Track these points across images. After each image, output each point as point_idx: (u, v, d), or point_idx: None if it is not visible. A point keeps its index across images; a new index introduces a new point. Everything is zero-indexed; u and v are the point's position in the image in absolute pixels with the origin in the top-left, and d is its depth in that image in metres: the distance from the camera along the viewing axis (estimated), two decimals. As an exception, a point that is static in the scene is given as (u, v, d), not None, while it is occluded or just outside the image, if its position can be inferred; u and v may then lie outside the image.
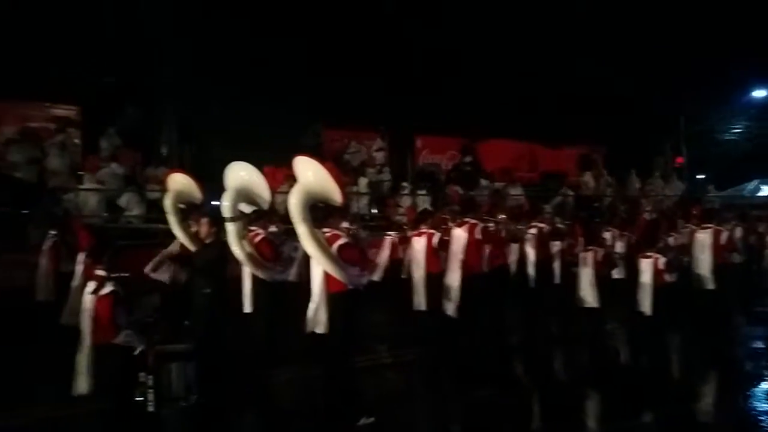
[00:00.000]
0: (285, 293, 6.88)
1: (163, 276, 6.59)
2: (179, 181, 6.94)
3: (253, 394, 6.61)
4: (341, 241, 5.82)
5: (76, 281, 6.60)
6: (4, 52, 10.21)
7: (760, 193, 17.61)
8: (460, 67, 14.03)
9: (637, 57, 15.29)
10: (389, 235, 9.23)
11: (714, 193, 15.95)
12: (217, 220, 6.32)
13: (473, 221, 8.14)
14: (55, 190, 9.31)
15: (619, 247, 9.29)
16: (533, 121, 14.13)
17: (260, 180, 6.60)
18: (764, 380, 7.27)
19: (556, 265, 8.90)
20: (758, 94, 19.24)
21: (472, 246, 7.95)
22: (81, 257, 6.53)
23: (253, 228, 6.84)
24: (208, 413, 6.06)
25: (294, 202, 5.55)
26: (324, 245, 5.65)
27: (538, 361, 8.15)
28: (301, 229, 5.54)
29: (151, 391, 5.26)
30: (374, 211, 11.79)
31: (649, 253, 8.35)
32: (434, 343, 7.86)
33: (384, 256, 8.97)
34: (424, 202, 11.47)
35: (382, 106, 12.92)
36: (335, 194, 5.59)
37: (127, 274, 5.13)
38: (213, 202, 7.18)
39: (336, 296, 5.74)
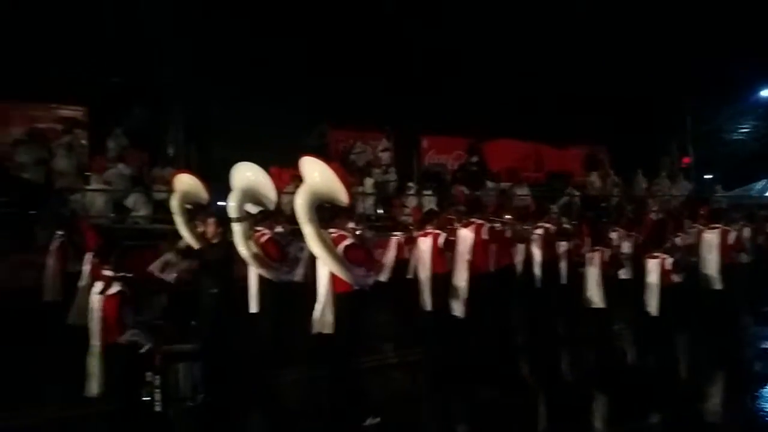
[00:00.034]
0: (291, 293, 6.88)
1: (170, 276, 6.60)
2: (186, 182, 6.96)
3: (259, 394, 6.62)
4: (347, 242, 5.83)
5: (83, 281, 6.61)
6: (11, 54, 10.26)
7: (768, 193, 17.53)
8: (465, 67, 14.01)
9: (645, 56, 15.23)
10: (395, 236, 9.21)
11: (721, 193, 15.86)
12: (224, 221, 6.33)
13: (480, 221, 8.13)
14: (62, 191, 9.34)
15: (626, 247, 9.25)
16: (539, 121, 14.09)
17: (266, 180, 6.61)
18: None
19: (563, 266, 8.87)
20: (766, 93, 19.14)
21: (478, 246, 7.94)
22: (88, 257, 6.55)
23: (259, 228, 6.84)
24: (215, 413, 6.07)
25: (300, 203, 5.55)
26: (330, 246, 5.66)
27: (544, 361, 8.13)
28: (308, 230, 5.55)
29: (158, 391, 5.27)
30: (380, 211, 11.78)
31: (656, 254, 8.33)
32: (439, 343, 7.85)
33: (390, 256, 8.95)
34: (429, 203, 11.45)
35: (387, 107, 12.91)
36: (341, 195, 5.59)
37: (133, 275, 5.13)
38: (219, 203, 7.19)
39: (342, 297, 5.74)
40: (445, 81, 13.71)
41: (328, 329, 5.74)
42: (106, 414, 4.76)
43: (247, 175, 6.52)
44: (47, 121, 10.69)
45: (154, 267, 6.55)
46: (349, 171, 10.60)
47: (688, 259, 9.05)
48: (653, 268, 8.27)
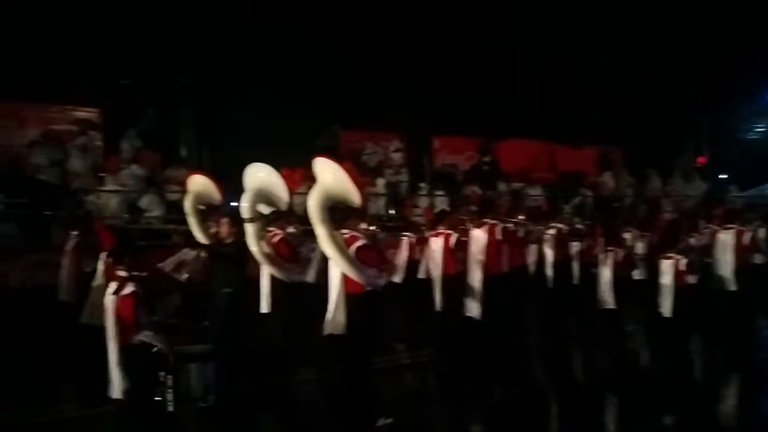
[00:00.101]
0: (303, 294, 6.91)
1: (182, 276, 6.65)
2: (199, 183, 7.00)
3: (270, 394, 6.64)
4: (359, 243, 5.83)
5: (97, 281, 6.67)
6: (26, 56, 10.37)
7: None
8: (477, 67, 13.97)
9: (659, 55, 15.11)
10: (406, 236, 9.22)
11: (736, 193, 15.73)
12: (237, 221, 6.37)
13: (493, 222, 8.11)
14: (77, 192, 9.43)
15: (640, 247, 9.20)
16: (552, 121, 14.02)
17: (279, 181, 6.64)
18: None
19: (575, 266, 8.84)
20: (782, 92, 18.94)
21: (492, 246, 7.92)
22: (102, 257, 6.61)
23: (271, 229, 6.87)
24: (227, 414, 6.10)
25: (313, 204, 5.57)
26: (342, 247, 5.67)
27: (556, 362, 8.10)
28: (320, 231, 5.57)
29: (170, 391, 5.31)
30: (392, 212, 11.79)
31: (670, 254, 8.25)
32: (451, 343, 7.84)
33: (402, 257, 8.97)
34: (441, 203, 11.45)
35: (399, 107, 12.91)
36: (354, 196, 5.60)
37: (147, 275, 5.17)
38: (232, 203, 7.23)
39: (354, 297, 5.75)
40: (456, 81, 13.67)
41: (339, 330, 5.76)
42: (121, 413, 4.79)
43: (259, 175, 6.55)
44: (62, 123, 10.79)
45: (166, 264, 6.59)
46: (360, 172, 10.62)
47: (702, 260, 8.97)
48: (667, 269, 8.19)
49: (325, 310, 5.86)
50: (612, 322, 8.64)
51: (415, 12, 13.52)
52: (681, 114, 16.39)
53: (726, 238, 9.41)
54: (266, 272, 6.71)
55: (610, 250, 8.62)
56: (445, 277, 8.00)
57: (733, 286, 9.19)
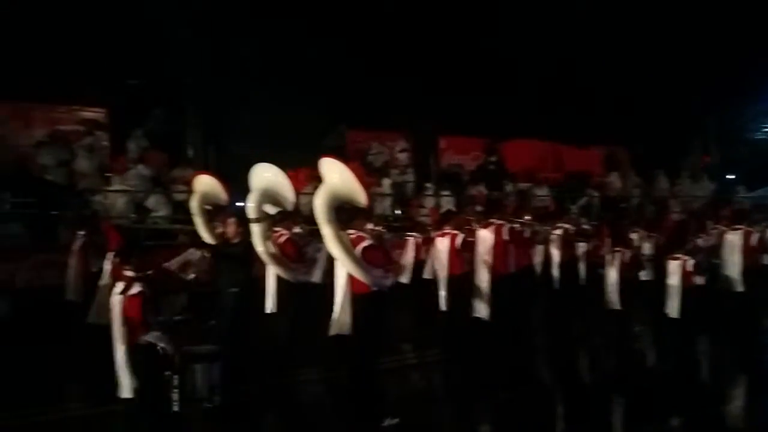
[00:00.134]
0: (309, 294, 6.91)
1: (189, 276, 6.66)
2: (205, 183, 7.02)
3: (276, 394, 6.64)
4: (366, 243, 5.83)
5: (104, 280, 6.70)
6: (33, 57, 10.41)
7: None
8: (483, 66, 13.95)
9: (666, 55, 15.05)
10: (412, 236, 9.21)
11: (744, 193, 15.65)
12: (244, 221, 6.38)
13: (499, 222, 8.09)
14: (83, 192, 9.46)
15: (647, 248, 9.16)
16: (558, 121, 13.98)
17: (285, 181, 6.64)
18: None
19: (582, 267, 8.81)
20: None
21: (499, 247, 7.90)
22: (109, 257, 6.63)
23: (277, 229, 6.88)
24: (232, 414, 6.10)
25: (320, 204, 5.57)
26: (348, 247, 5.66)
27: (562, 363, 8.08)
28: (326, 231, 5.56)
29: (176, 390, 5.31)
30: (398, 212, 11.79)
31: (677, 255, 8.21)
32: (457, 343, 7.82)
33: (409, 257, 8.96)
34: (447, 203, 11.43)
35: (405, 107, 12.90)
36: (360, 196, 5.60)
37: (154, 275, 5.18)
38: (238, 203, 7.24)
39: (360, 298, 5.75)
40: (462, 81, 13.65)
41: (345, 330, 5.75)
42: (130, 413, 4.79)
43: (265, 176, 6.55)
44: (69, 123, 10.81)
45: (172, 264, 6.60)
46: (366, 172, 10.62)
47: (709, 261, 8.93)
48: (674, 270, 8.15)
49: (331, 310, 5.87)
50: (619, 322, 8.60)
51: (422, 11, 13.51)
52: (688, 114, 16.31)
53: (734, 239, 9.36)
54: (272, 272, 6.72)
55: (617, 251, 8.58)
56: (451, 278, 7.98)
57: (740, 287, 9.14)
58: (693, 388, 7.10)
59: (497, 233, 7.97)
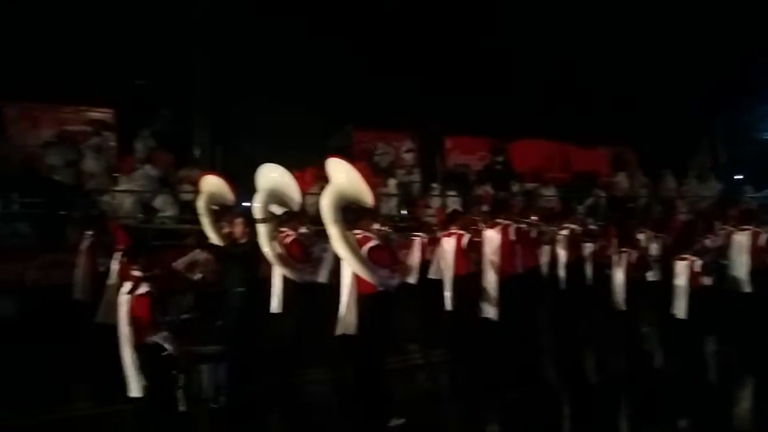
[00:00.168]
0: (315, 294, 6.92)
1: (196, 275, 6.67)
2: (212, 183, 7.03)
3: (282, 394, 6.65)
4: (372, 243, 5.84)
5: (111, 280, 6.73)
6: (41, 57, 10.46)
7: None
8: (490, 66, 13.93)
9: (673, 55, 14.99)
10: (418, 236, 9.21)
11: (752, 193, 15.56)
12: (251, 221, 6.39)
13: (506, 222, 8.07)
14: (91, 192, 9.50)
15: (654, 249, 9.13)
16: (565, 121, 13.94)
17: (291, 182, 6.66)
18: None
19: (588, 267, 8.79)
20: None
21: (506, 247, 7.88)
22: (117, 257, 6.66)
23: (283, 229, 6.88)
24: (238, 414, 6.11)
25: (326, 204, 5.58)
26: (354, 247, 5.67)
27: (569, 363, 8.06)
28: (333, 231, 5.58)
29: (182, 390, 5.33)
30: (404, 212, 11.78)
31: (685, 256, 8.18)
32: (462, 344, 7.81)
33: (415, 257, 8.95)
34: (453, 203, 11.42)
35: (411, 107, 12.90)
36: (367, 196, 5.61)
37: (161, 275, 5.20)
38: (244, 203, 7.25)
39: (366, 298, 5.75)
40: (469, 81, 13.64)
41: (351, 330, 5.76)
42: (139, 412, 4.82)
43: (272, 176, 6.57)
44: (76, 124, 10.85)
45: (179, 264, 6.62)
46: (372, 172, 10.62)
47: (717, 262, 8.89)
48: (682, 271, 8.11)
49: (337, 310, 5.87)
50: (626, 323, 8.58)
51: (429, 11, 13.50)
52: (695, 114, 16.24)
53: (741, 239, 9.31)
54: (278, 272, 6.73)
55: (624, 251, 8.56)
56: (457, 278, 7.97)
57: (748, 288, 9.09)
58: (700, 389, 7.08)
59: (504, 233, 7.96)
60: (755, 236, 9.28)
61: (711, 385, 7.51)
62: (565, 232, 8.76)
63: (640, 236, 9.26)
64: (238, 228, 6.45)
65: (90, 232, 7.62)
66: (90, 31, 10.92)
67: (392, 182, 12.10)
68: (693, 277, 8.02)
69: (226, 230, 6.72)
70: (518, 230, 8.04)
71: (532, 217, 8.52)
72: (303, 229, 7.27)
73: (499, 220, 8.14)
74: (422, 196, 12.19)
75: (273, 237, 6.48)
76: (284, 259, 6.61)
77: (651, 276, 8.77)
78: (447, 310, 8.03)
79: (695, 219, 10.95)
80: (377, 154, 12.91)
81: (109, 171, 10.08)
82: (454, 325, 7.97)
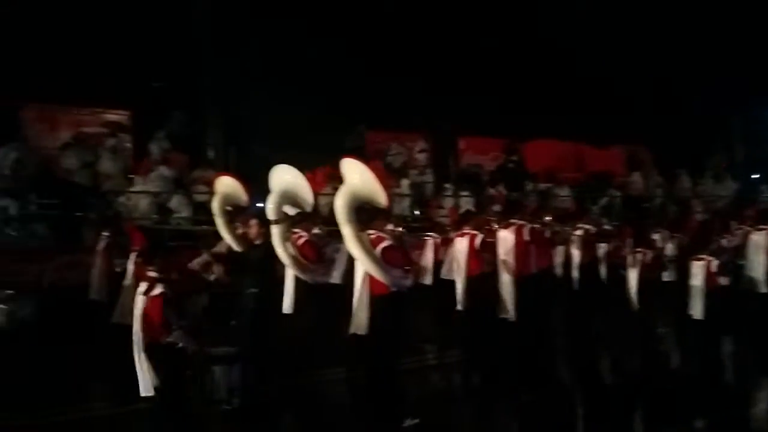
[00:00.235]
0: (328, 294, 6.93)
1: (211, 276, 6.71)
2: (226, 184, 7.07)
3: (296, 395, 6.67)
4: (385, 243, 5.84)
5: (127, 281, 6.79)
6: (58, 61, 10.58)
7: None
8: (503, 66, 13.89)
9: (689, 54, 14.86)
10: (431, 237, 9.20)
11: (769, 193, 15.40)
12: (266, 222, 6.42)
13: (520, 222, 8.04)
14: (107, 193, 9.59)
15: (670, 249, 9.06)
16: (579, 121, 13.87)
17: (304, 183, 6.69)
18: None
19: (603, 268, 8.73)
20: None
21: (520, 247, 7.83)
22: (133, 257, 6.72)
23: (296, 230, 6.90)
24: (251, 415, 6.14)
25: (340, 204, 5.59)
26: (368, 247, 5.68)
27: (583, 364, 8.02)
28: (346, 231, 5.59)
29: (196, 391, 5.36)
30: (417, 212, 11.78)
31: (701, 256, 8.10)
32: (474, 344, 7.79)
33: (428, 258, 8.94)
34: (467, 204, 11.40)
35: (424, 107, 12.89)
36: (381, 196, 5.62)
37: (176, 275, 5.23)
38: (258, 204, 7.29)
39: (379, 298, 5.76)
40: (482, 81, 13.61)
41: (362, 330, 5.77)
42: (154, 412, 4.86)
43: (285, 178, 6.59)
44: (93, 126, 10.96)
45: (194, 264, 6.65)
46: (385, 172, 10.63)
47: (734, 262, 8.80)
48: (698, 271, 8.03)
49: (350, 310, 5.88)
50: (641, 324, 8.52)
51: (441, 11, 13.49)
52: (711, 113, 16.10)
53: (758, 239, 9.20)
54: (290, 273, 6.75)
55: (639, 252, 8.50)
56: (469, 279, 7.94)
57: (765, 288, 8.99)
58: (717, 390, 7.01)
59: (518, 234, 7.91)
60: (773, 236, 9.17)
61: (728, 385, 7.43)
62: (579, 232, 8.71)
63: (656, 236, 9.19)
64: (254, 229, 6.48)
65: (106, 233, 7.68)
66: (106, 34, 11.03)
67: (405, 182, 12.10)
68: (709, 277, 7.93)
69: (240, 231, 6.75)
70: (532, 230, 7.99)
71: (546, 218, 8.47)
72: (316, 230, 7.29)
73: (512, 221, 8.10)
74: (435, 197, 12.18)
75: (286, 238, 6.51)
76: (297, 260, 6.63)
77: (667, 276, 8.70)
78: (458, 310, 8.00)
79: (711, 219, 10.85)
80: (390, 154, 12.92)
81: (125, 172, 10.17)
82: (465, 325, 7.94)
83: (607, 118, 14.15)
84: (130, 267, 6.73)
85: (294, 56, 12.51)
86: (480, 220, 8.38)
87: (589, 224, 8.99)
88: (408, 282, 5.95)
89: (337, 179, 6.49)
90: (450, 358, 8.00)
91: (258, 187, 7.04)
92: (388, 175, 10.85)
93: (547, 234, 8.24)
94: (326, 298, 6.86)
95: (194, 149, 11.57)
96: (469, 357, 7.75)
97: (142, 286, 4.94)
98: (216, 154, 11.88)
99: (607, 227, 9.33)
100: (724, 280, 8.05)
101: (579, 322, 8.69)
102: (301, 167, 6.79)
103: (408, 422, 5.67)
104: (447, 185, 12.44)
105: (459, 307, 7.93)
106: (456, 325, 8.12)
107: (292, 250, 6.60)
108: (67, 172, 9.83)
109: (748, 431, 6.01)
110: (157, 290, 4.83)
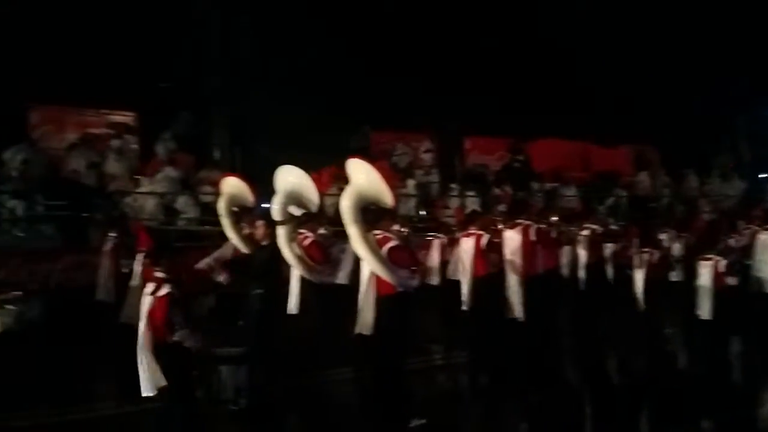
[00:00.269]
0: (334, 295, 6.93)
1: (218, 276, 6.72)
2: (233, 185, 7.08)
3: (302, 395, 6.68)
4: (391, 244, 5.84)
5: (135, 281, 6.80)
6: (65, 62, 10.61)
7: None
8: (509, 66, 13.87)
9: (696, 54, 14.80)
10: (438, 237, 9.19)
11: (777, 192, 15.31)
12: (272, 222, 6.42)
13: (526, 222, 8.02)
14: (113, 194, 9.62)
15: (677, 249, 9.02)
16: (586, 120, 13.83)
17: (309, 183, 6.70)
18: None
19: (609, 268, 8.71)
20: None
21: (526, 247, 7.81)
22: (140, 257, 6.74)
23: (302, 231, 6.91)
24: (258, 415, 6.14)
25: (346, 204, 5.59)
26: (374, 247, 5.67)
27: (590, 364, 8.00)
28: (352, 231, 5.58)
29: (203, 391, 5.37)
30: (422, 212, 11.77)
31: (708, 256, 8.07)
32: (480, 344, 7.77)
33: (434, 258, 8.93)
34: (472, 204, 11.39)
35: (430, 108, 12.88)
36: (387, 197, 5.62)
37: (183, 276, 5.24)
38: (263, 205, 7.30)
39: (385, 299, 5.75)
40: (487, 80, 13.59)
41: (367, 330, 5.77)
42: (157, 411, 4.86)
43: (290, 178, 6.61)
44: (99, 127, 11.01)
45: (201, 264, 6.67)
46: (391, 172, 10.62)
47: (741, 262, 8.76)
48: (706, 271, 8.00)
49: (356, 310, 5.88)
50: (648, 324, 8.49)
51: (448, 10, 13.47)
52: (718, 112, 16.02)
53: (766, 239, 9.16)
54: (296, 273, 6.75)
55: (646, 251, 8.47)
56: (476, 279, 7.92)
57: (772, 289, 8.95)
58: (725, 391, 6.98)
59: (524, 234, 7.89)
60: (780, 236, 9.13)
61: (735, 386, 7.40)
62: (585, 232, 8.68)
63: (663, 236, 9.16)
64: (260, 230, 6.48)
65: (113, 234, 7.72)
66: (112, 35, 11.06)
67: (411, 183, 12.09)
68: (717, 277, 7.90)
69: (246, 232, 6.76)
70: (538, 230, 7.96)
71: (553, 218, 8.45)
72: (321, 230, 7.30)
73: (519, 221, 8.07)
74: (441, 197, 12.17)
75: (292, 238, 6.51)
76: (303, 261, 6.64)
77: (674, 276, 8.67)
78: (464, 310, 7.99)
79: (719, 218, 10.80)
80: (396, 154, 12.91)
81: (132, 173, 10.20)
82: (470, 326, 7.93)
83: (613, 118, 14.10)
84: (137, 268, 6.75)
85: (299, 57, 12.52)
86: (486, 220, 8.36)
87: (595, 224, 8.96)
88: (415, 282, 5.94)
89: (342, 179, 6.49)
90: (457, 359, 7.99)
91: (264, 188, 7.05)
92: (393, 176, 10.84)
93: (554, 234, 8.22)
94: (332, 298, 6.86)
95: (200, 150, 11.59)
96: (475, 357, 7.74)
97: (149, 287, 4.95)
98: (222, 155, 11.90)
99: (613, 227, 9.30)
100: (731, 280, 8.01)
101: (586, 323, 8.66)
102: (307, 168, 6.80)
103: (415, 422, 5.66)
104: (453, 185, 12.42)
105: (464, 307, 7.92)
106: (463, 326, 8.11)
107: (298, 250, 6.61)
108: (74, 173, 9.86)
109: (756, 431, 5.98)
110: (164, 291, 4.83)
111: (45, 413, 6.03)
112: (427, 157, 13.23)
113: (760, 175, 17.22)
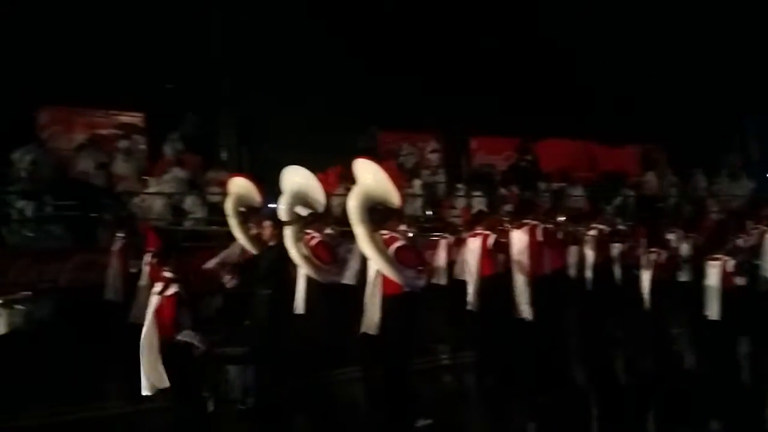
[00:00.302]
0: (340, 295, 6.94)
1: (225, 280, 6.75)
2: (240, 185, 7.11)
3: (309, 395, 6.69)
4: (398, 243, 5.85)
5: (143, 281, 6.84)
6: (73, 63, 10.68)
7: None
8: (515, 66, 13.85)
9: (703, 53, 14.74)
10: (444, 237, 9.19)
11: (786, 192, 15.22)
12: (279, 223, 6.44)
13: (534, 222, 8.00)
14: (121, 194, 9.67)
15: (685, 249, 8.99)
16: (593, 120, 13.79)
17: (315, 184, 6.71)
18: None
19: (617, 268, 8.68)
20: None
21: (533, 248, 7.80)
22: (147, 257, 6.77)
23: (309, 231, 6.93)
24: (266, 415, 6.16)
25: (353, 204, 5.61)
26: (381, 247, 5.69)
27: (597, 365, 7.98)
28: (359, 231, 5.60)
29: (211, 391, 5.39)
30: (429, 213, 11.77)
31: (717, 256, 8.03)
32: (487, 345, 7.77)
33: (441, 258, 8.93)
34: (479, 204, 11.38)
35: (436, 108, 12.88)
36: (394, 197, 5.63)
37: (191, 276, 5.27)
38: (270, 205, 7.32)
39: (392, 299, 5.76)
40: (494, 80, 13.57)
41: (373, 330, 5.78)
42: (165, 410, 4.89)
43: (296, 179, 6.63)
44: (108, 127, 11.04)
45: (209, 264, 6.70)
46: (398, 173, 10.63)
47: (750, 262, 8.71)
48: (714, 271, 7.96)
49: (363, 310, 5.90)
50: (655, 324, 8.46)
51: (455, 10, 13.47)
52: (726, 112, 15.95)
53: (775, 239, 9.12)
54: (302, 273, 6.77)
55: (653, 252, 8.44)
56: (482, 279, 7.91)
57: (780, 288, 8.90)
58: (733, 391, 6.95)
59: (531, 234, 7.87)
60: (789, 236, 9.08)
61: (743, 386, 7.37)
62: (593, 232, 8.67)
63: (671, 236, 9.13)
64: (267, 230, 6.50)
65: (121, 234, 7.75)
66: (120, 37, 11.12)
67: (417, 183, 12.09)
68: (725, 277, 7.85)
69: (253, 232, 6.78)
70: (545, 230, 7.94)
71: (560, 218, 8.43)
72: (328, 230, 7.31)
73: (525, 221, 8.06)
74: (447, 197, 12.16)
75: (299, 238, 6.53)
76: (310, 261, 6.66)
77: (682, 276, 8.64)
78: (471, 310, 7.98)
79: (727, 218, 10.77)
80: (402, 154, 12.91)
81: (140, 174, 10.24)
82: (477, 326, 7.93)
83: (621, 118, 14.06)
84: (145, 268, 6.78)
85: (305, 58, 12.55)
86: (493, 220, 8.35)
87: (603, 224, 8.95)
88: (421, 282, 5.95)
89: (349, 180, 6.50)
90: (463, 359, 7.99)
91: (270, 188, 7.07)
92: (400, 176, 10.85)
93: (561, 234, 8.20)
94: (339, 298, 6.87)
95: (208, 150, 11.63)
96: (482, 358, 7.74)
97: (157, 286, 4.97)
98: (229, 156, 11.94)
99: (621, 227, 9.28)
100: (740, 280, 7.96)
101: (593, 323, 8.65)
102: (313, 168, 6.82)
103: (421, 422, 5.67)
104: (459, 185, 12.41)
105: (470, 307, 7.92)
106: (469, 326, 8.11)
107: (305, 250, 6.62)
108: (83, 173, 9.91)
109: (764, 432, 5.97)
110: (171, 290, 4.85)
111: (55, 412, 6.07)
112: (433, 157, 13.21)
113: (768, 175, 17.15)
